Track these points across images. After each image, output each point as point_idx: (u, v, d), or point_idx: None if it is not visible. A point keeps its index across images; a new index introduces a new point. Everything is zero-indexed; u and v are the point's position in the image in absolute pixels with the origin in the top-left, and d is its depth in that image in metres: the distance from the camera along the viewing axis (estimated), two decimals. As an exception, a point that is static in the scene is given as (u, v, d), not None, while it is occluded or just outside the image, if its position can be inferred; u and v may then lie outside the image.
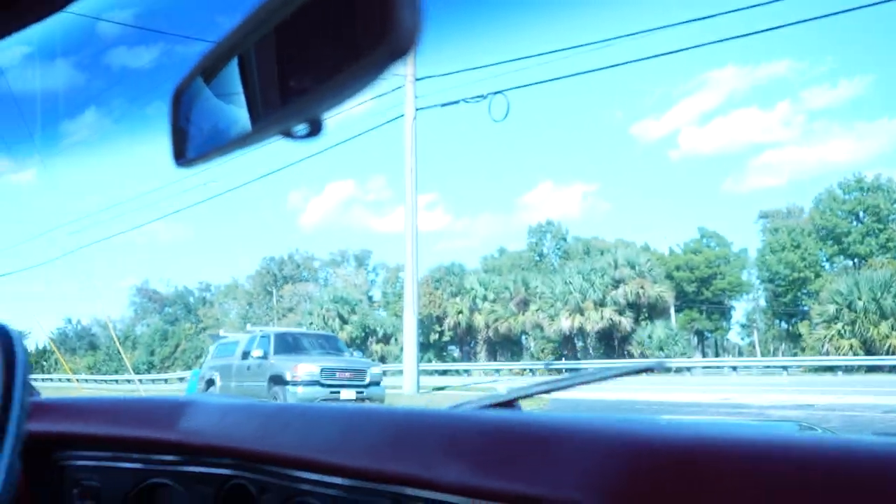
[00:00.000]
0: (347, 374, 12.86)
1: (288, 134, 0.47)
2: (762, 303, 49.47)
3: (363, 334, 43.66)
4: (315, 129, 0.47)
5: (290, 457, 0.94)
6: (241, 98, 0.52)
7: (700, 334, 49.87)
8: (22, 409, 0.63)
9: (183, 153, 0.58)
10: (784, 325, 47.07)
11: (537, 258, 54.16)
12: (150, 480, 1.14)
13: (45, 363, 40.50)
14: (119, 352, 28.68)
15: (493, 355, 45.09)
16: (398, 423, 0.84)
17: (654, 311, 40.57)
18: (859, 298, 29.98)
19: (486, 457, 0.70)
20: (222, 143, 0.55)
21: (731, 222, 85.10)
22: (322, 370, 12.52)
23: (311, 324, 41.49)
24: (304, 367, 12.55)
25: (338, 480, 0.88)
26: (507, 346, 45.64)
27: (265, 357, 13.56)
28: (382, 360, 36.82)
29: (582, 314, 39.42)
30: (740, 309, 52.00)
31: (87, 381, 33.65)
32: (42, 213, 66.46)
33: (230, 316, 53.72)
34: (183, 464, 1.09)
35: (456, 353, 47.85)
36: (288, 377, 12.45)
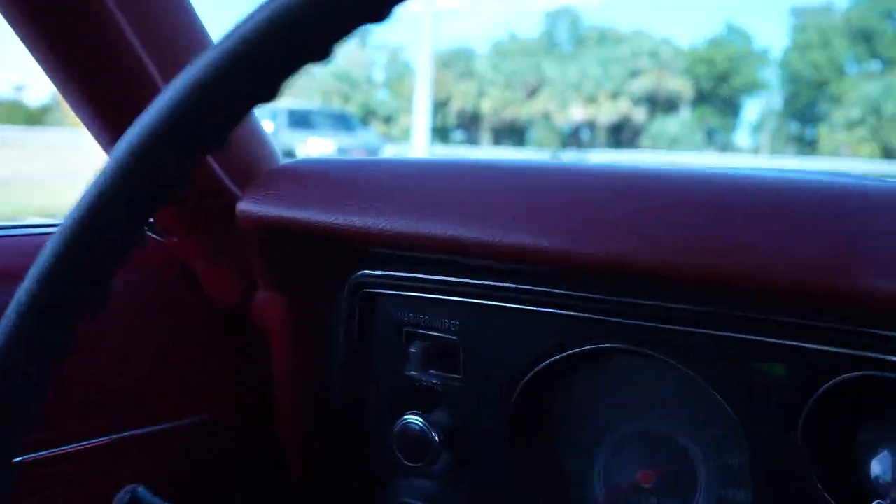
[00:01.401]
0: (363, 154, 12.04)
1: None
2: (777, 105, 47.80)
3: (364, 114, 42.18)
4: None
5: None
6: None
7: (711, 133, 48.65)
8: None
9: None
10: (798, 127, 45.83)
11: (551, 46, 51.27)
12: None
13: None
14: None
15: (497, 142, 44.24)
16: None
17: (671, 106, 39.36)
18: (887, 103, 28.83)
19: None
20: None
21: (760, 18, 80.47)
22: (339, 149, 11.66)
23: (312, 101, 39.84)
24: (317, 144, 11.68)
25: None
26: (511, 133, 44.64)
27: (274, 133, 12.64)
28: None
29: (595, 104, 38.26)
30: (753, 110, 50.31)
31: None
32: None
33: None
34: None
35: (460, 137, 46.77)
36: (300, 155, 11.61)
